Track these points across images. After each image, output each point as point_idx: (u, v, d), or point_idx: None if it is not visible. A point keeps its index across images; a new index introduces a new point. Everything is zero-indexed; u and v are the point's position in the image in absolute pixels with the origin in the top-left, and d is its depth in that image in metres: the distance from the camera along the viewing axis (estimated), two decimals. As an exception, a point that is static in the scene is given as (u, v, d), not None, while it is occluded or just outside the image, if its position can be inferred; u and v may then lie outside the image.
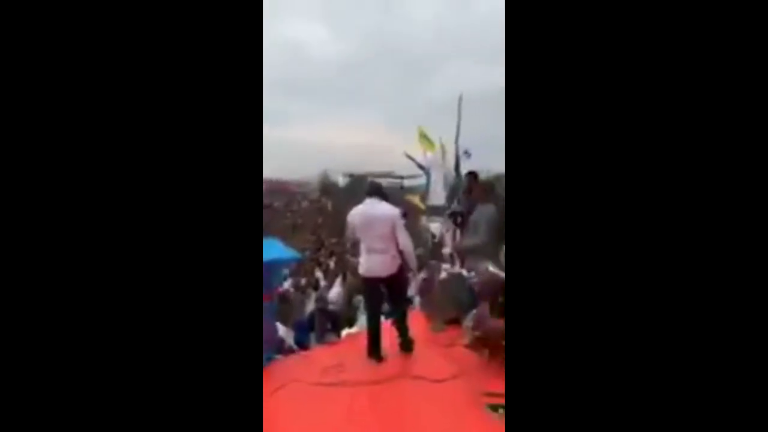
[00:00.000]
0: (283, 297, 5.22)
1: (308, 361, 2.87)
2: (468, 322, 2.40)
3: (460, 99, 5.00)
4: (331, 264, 8.48)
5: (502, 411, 1.77)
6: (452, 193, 4.71)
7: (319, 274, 7.56)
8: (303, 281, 6.61)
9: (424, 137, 5.95)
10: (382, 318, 2.79)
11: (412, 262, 2.73)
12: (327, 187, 24.82)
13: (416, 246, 3.19)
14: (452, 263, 4.03)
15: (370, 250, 2.50)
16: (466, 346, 2.38)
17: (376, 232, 2.46)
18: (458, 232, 4.03)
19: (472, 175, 3.78)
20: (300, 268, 7.44)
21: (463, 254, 3.43)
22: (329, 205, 20.91)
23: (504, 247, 2.74)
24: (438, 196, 5.60)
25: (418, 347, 2.69)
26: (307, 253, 10.62)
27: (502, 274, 2.33)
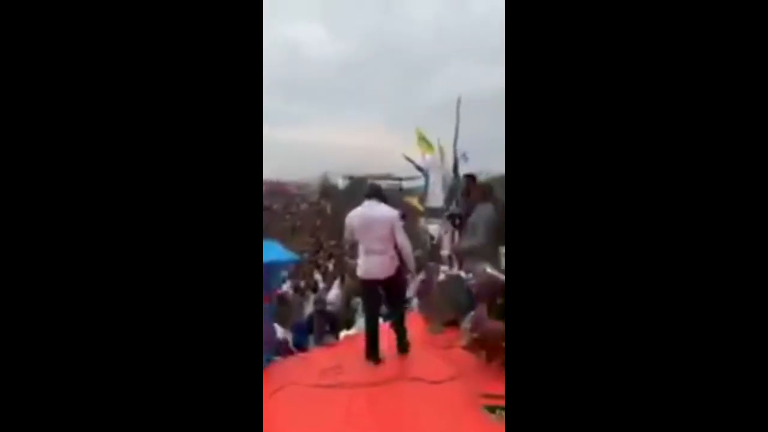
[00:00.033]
0: (282, 299, 5.22)
1: (306, 363, 2.87)
2: (466, 323, 2.40)
3: (459, 101, 5.02)
4: (330, 266, 8.48)
5: (499, 412, 1.77)
6: (451, 195, 4.71)
7: (317, 276, 7.56)
8: (302, 283, 6.61)
9: (422, 139, 5.96)
10: (381, 320, 2.79)
11: (411, 264, 2.73)
12: (326, 189, 24.81)
13: (415, 247, 3.20)
14: (450, 265, 4.04)
15: (368, 252, 2.51)
16: (464, 348, 2.38)
17: (374, 234, 2.47)
18: (457, 233, 4.03)
19: (471, 177, 3.80)
20: (299, 270, 7.45)
21: (461, 256, 3.44)
22: (328, 208, 20.89)
23: (502, 249, 2.75)
24: (437, 198, 5.60)
25: (417, 349, 2.69)
26: (306, 255, 10.61)
27: (500, 276, 2.34)
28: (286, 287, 6.07)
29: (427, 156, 5.96)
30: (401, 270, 2.62)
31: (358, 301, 4.27)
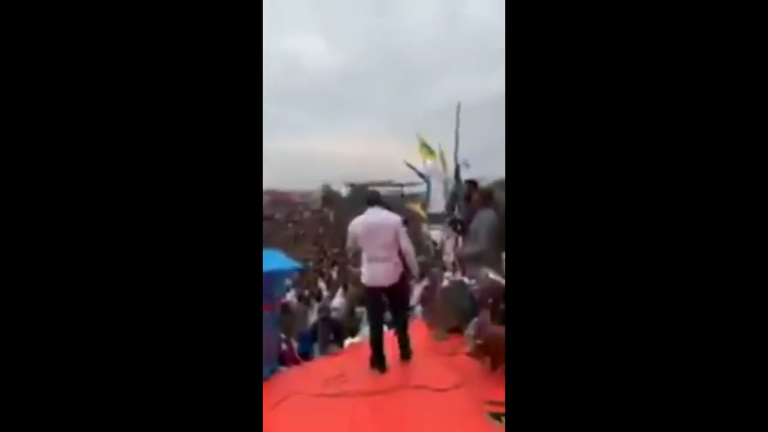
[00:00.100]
0: (286, 308, 5.21)
1: (311, 372, 2.86)
2: (470, 330, 2.39)
3: (458, 107, 5.04)
4: (334, 274, 8.46)
5: (504, 420, 1.76)
6: (452, 201, 4.71)
7: (321, 284, 7.54)
8: (306, 292, 6.60)
9: (424, 146, 5.98)
10: (385, 328, 2.78)
11: (415, 269, 2.73)
12: (329, 197, 24.89)
13: (418, 253, 3.20)
14: (454, 271, 4.02)
15: (372, 259, 2.51)
16: (468, 355, 2.37)
17: (379, 241, 2.47)
18: (460, 239, 4.03)
19: (472, 183, 3.80)
20: (303, 279, 7.44)
21: (464, 262, 3.43)
22: (331, 215, 20.93)
23: (504, 254, 2.75)
24: (438, 204, 5.60)
25: (421, 356, 2.67)
26: (310, 263, 10.61)
27: (503, 281, 2.33)
28: (290, 296, 6.06)
29: (429, 162, 5.98)
30: (405, 277, 2.62)
31: (362, 310, 4.26)
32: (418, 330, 3.04)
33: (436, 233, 5.78)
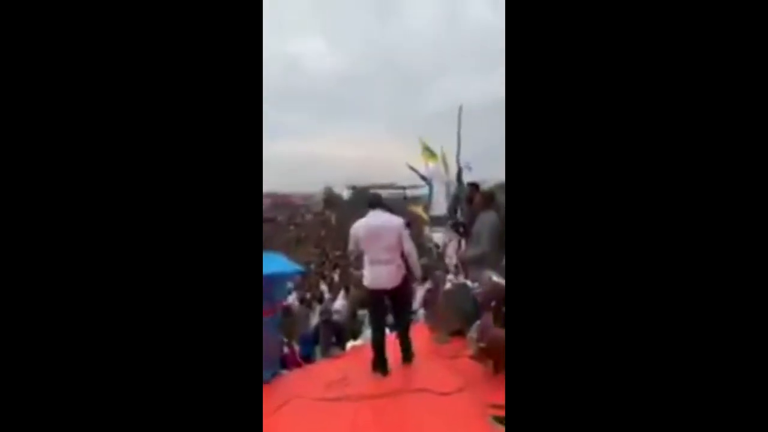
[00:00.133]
0: (288, 310, 5.21)
1: (312, 375, 2.86)
2: (472, 333, 2.38)
3: (460, 109, 5.04)
4: (335, 277, 8.46)
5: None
6: (454, 203, 4.71)
7: (323, 287, 7.55)
8: (308, 295, 6.60)
9: (426, 148, 6.00)
10: (387, 331, 2.77)
11: (418, 271, 2.72)
12: (331, 199, 24.93)
13: (420, 256, 3.19)
14: (456, 273, 4.01)
15: (374, 262, 2.50)
16: (471, 358, 2.35)
17: (382, 243, 2.47)
18: (462, 242, 4.02)
19: (474, 185, 3.80)
20: (304, 282, 7.44)
21: (466, 264, 3.42)
22: (333, 218, 20.96)
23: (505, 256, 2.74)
24: (441, 207, 5.60)
25: (423, 360, 2.66)
26: (312, 266, 10.62)
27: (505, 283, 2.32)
28: (292, 299, 6.06)
29: (431, 165, 5.99)
30: (408, 279, 2.62)
31: (364, 313, 4.25)
32: (420, 333, 3.03)
33: (438, 236, 5.77)
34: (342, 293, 6.16)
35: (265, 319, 2.49)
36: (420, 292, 4.59)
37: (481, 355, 2.28)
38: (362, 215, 2.64)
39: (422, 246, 5.87)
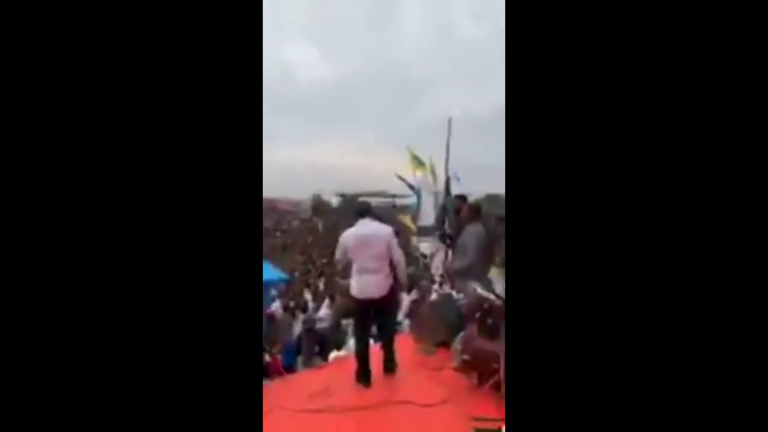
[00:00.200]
0: (271, 318, 5.12)
1: (294, 386, 2.80)
2: (456, 344, 2.38)
3: (450, 121, 5.12)
4: (320, 285, 8.38)
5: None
6: (442, 214, 4.75)
7: (308, 295, 7.45)
8: (291, 303, 6.51)
9: (414, 158, 6.05)
10: (371, 341, 2.75)
11: (404, 279, 2.72)
12: (319, 206, 24.83)
13: (407, 265, 3.19)
14: (442, 284, 4.03)
15: (363, 271, 2.49)
16: (455, 369, 2.35)
17: (371, 252, 2.46)
18: (449, 252, 4.04)
19: (461, 197, 3.84)
20: (289, 290, 7.34)
21: (452, 276, 3.44)
22: (320, 225, 20.84)
23: (492, 269, 2.76)
24: (428, 217, 5.64)
25: (407, 371, 2.64)
26: (297, 273, 10.49)
27: (490, 296, 2.34)
28: (276, 306, 5.97)
29: (419, 174, 6.04)
30: (394, 289, 2.61)
31: (348, 323, 4.21)
32: (405, 344, 3.01)
33: (425, 245, 5.80)
34: (326, 302, 6.09)
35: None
36: (405, 303, 4.58)
37: (465, 366, 2.28)
38: (350, 223, 2.63)
39: (409, 255, 5.87)
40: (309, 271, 11.18)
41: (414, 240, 6.64)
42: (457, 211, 3.74)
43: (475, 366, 2.23)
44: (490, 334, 2.23)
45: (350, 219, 2.72)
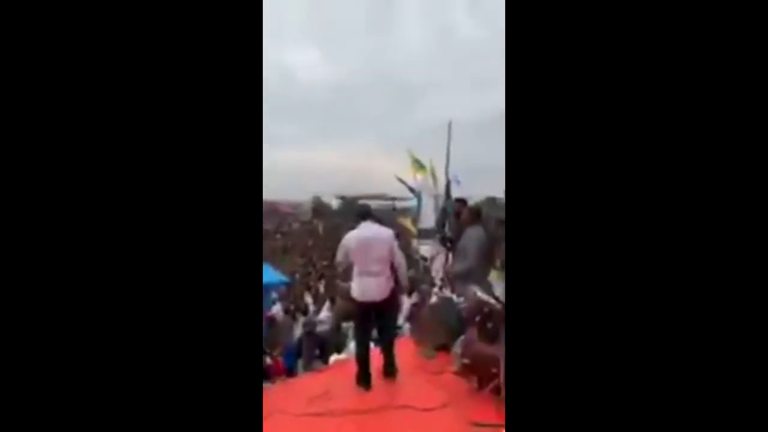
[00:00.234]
0: (272, 321, 5.12)
1: (295, 389, 2.80)
2: (457, 348, 2.38)
3: (450, 124, 5.12)
4: (321, 288, 8.37)
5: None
6: (442, 217, 4.75)
7: (308, 298, 7.45)
8: (292, 306, 6.51)
9: (415, 160, 6.05)
10: (371, 345, 2.75)
11: (405, 282, 2.72)
12: (319, 209, 24.83)
13: (408, 268, 3.20)
14: (442, 287, 4.02)
15: (364, 274, 2.49)
16: (455, 373, 2.35)
17: (373, 255, 2.47)
18: (450, 255, 4.04)
19: (461, 200, 3.85)
20: (289, 292, 7.34)
21: (452, 279, 3.44)
22: (320, 227, 20.83)
23: (492, 272, 2.76)
24: (429, 219, 5.63)
25: (408, 375, 2.64)
26: (297, 276, 10.48)
27: (490, 300, 2.34)
28: (276, 309, 5.97)
29: (419, 177, 6.04)
30: (395, 292, 2.61)
31: (348, 325, 4.21)
32: (405, 347, 3.01)
33: (425, 248, 5.79)
34: (327, 305, 6.09)
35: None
36: (406, 306, 4.58)
37: (465, 370, 2.28)
38: (351, 226, 2.64)
39: (410, 258, 5.87)
40: (309, 273, 11.17)
41: (414, 243, 6.63)
42: (458, 214, 3.74)
43: (475, 370, 2.23)
44: (490, 337, 2.23)
45: (351, 221, 2.72)
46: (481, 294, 2.41)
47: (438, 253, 4.75)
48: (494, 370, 2.09)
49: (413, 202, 6.72)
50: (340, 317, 4.79)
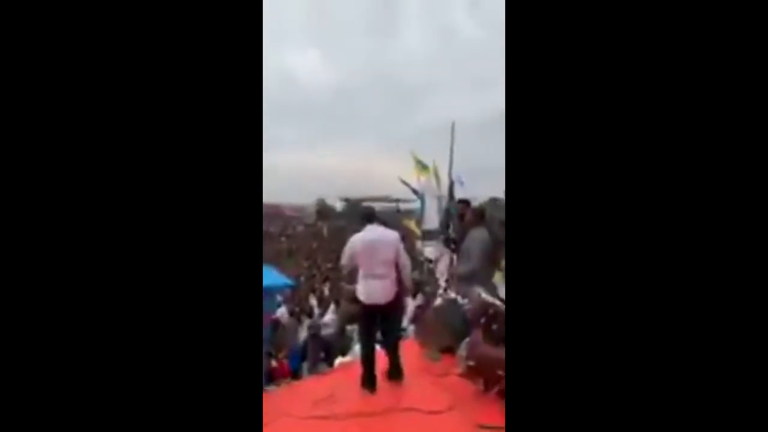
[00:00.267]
0: (277, 324, 5.13)
1: (300, 392, 2.80)
2: (462, 350, 2.37)
3: (453, 126, 5.12)
4: (326, 290, 8.38)
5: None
6: (446, 218, 4.74)
7: (313, 301, 7.45)
8: (297, 309, 6.52)
9: (418, 162, 6.05)
10: (377, 347, 2.74)
11: (409, 283, 2.72)
12: (323, 211, 24.89)
13: (412, 270, 3.19)
14: (446, 289, 4.01)
15: (371, 277, 2.49)
16: (461, 375, 2.34)
17: (379, 258, 2.47)
18: (454, 257, 4.03)
19: (465, 202, 3.84)
20: (294, 295, 7.35)
21: (457, 281, 3.43)
22: (325, 230, 20.87)
23: (496, 274, 2.75)
24: (432, 221, 5.62)
25: (413, 377, 2.63)
26: (302, 278, 10.50)
27: (495, 301, 2.33)
28: (281, 312, 5.98)
29: (422, 179, 6.03)
30: (400, 295, 2.61)
31: (353, 328, 4.21)
32: (410, 349, 3.00)
33: (429, 250, 5.78)
34: (332, 307, 6.09)
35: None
36: (410, 308, 4.57)
37: (470, 373, 2.27)
38: (356, 228, 2.64)
39: (414, 260, 5.85)
40: (314, 276, 11.18)
41: (418, 244, 6.62)
42: (461, 216, 3.73)
43: (481, 372, 2.22)
44: (496, 339, 2.22)
45: (355, 224, 2.72)
46: (485, 296, 2.40)
47: (442, 255, 4.73)
48: (500, 372, 2.07)
49: (417, 204, 6.71)
50: (345, 320, 4.79)
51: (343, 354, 3.91)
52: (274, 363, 4.16)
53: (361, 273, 2.54)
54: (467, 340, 2.37)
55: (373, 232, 2.53)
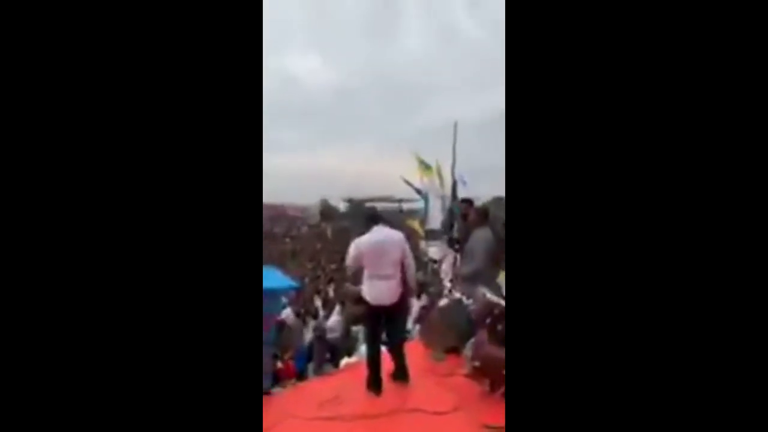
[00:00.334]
0: (282, 325, 5.14)
1: (305, 393, 2.81)
2: (467, 350, 2.36)
3: (456, 125, 5.10)
4: (330, 291, 8.39)
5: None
6: (449, 218, 4.73)
7: (318, 302, 7.46)
8: (302, 310, 6.53)
9: (421, 162, 6.04)
10: (382, 348, 2.74)
11: (413, 284, 2.72)
12: (327, 212, 24.92)
13: (416, 270, 3.19)
14: (451, 289, 4.00)
15: (375, 277, 2.49)
16: (466, 376, 2.33)
17: (385, 259, 2.47)
18: (458, 257, 4.02)
19: (468, 201, 3.83)
20: (299, 297, 7.36)
21: (461, 281, 3.42)
22: (329, 231, 20.90)
23: (501, 273, 2.74)
24: (436, 221, 5.61)
25: (418, 378, 2.63)
26: (306, 280, 10.52)
27: (500, 301, 2.32)
28: (286, 313, 5.99)
29: (425, 178, 6.02)
30: (405, 295, 2.61)
31: (358, 329, 4.21)
32: (415, 350, 3.00)
33: (433, 250, 5.77)
34: (337, 309, 6.10)
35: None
36: (415, 308, 4.56)
37: (476, 373, 2.26)
38: (359, 227, 2.64)
39: (418, 260, 5.85)
40: (318, 277, 11.20)
41: (422, 244, 6.62)
42: (465, 215, 3.72)
43: (486, 372, 2.21)
44: (501, 340, 2.21)
45: (359, 224, 2.73)
46: (490, 296, 2.40)
47: (446, 255, 4.72)
48: (505, 373, 2.07)
49: (420, 204, 6.71)
50: (350, 321, 4.80)
51: (349, 355, 3.91)
52: (279, 364, 4.17)
53: (366, 274, 2.54)
54: (472, 340, 2.37)
55: (379, 233, 2.54)
